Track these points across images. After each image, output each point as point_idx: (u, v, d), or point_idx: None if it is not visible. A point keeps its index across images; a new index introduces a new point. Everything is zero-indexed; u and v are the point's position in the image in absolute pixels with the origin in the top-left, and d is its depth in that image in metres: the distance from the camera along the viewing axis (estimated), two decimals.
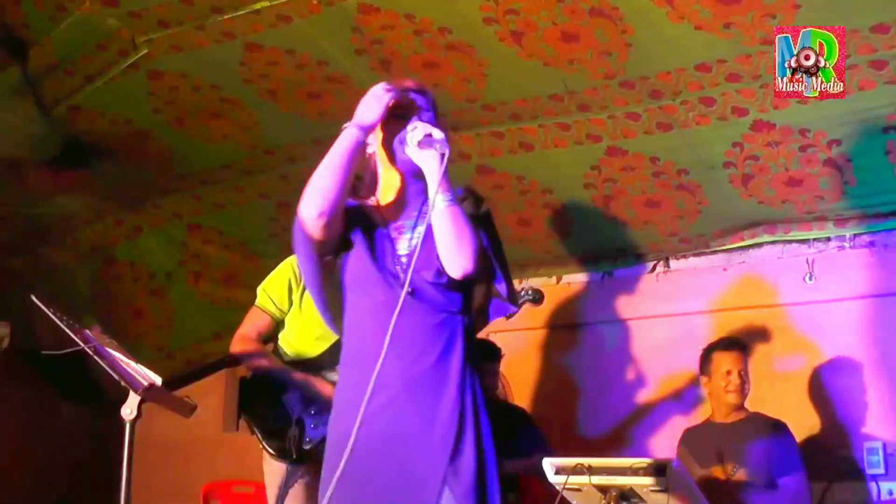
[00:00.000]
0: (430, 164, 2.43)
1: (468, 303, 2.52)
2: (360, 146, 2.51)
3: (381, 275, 2.48)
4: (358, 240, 2.55)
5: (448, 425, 2.38)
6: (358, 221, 2.57)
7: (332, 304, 2.61)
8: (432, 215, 2.43)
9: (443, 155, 2.41)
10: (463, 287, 2.49)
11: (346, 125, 2.51)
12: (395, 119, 2.53)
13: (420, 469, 2.37)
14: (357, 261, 2.53)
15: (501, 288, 2.55)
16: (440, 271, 2.46)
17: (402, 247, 2.53)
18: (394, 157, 2.56)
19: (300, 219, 2.52)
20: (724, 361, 4.12)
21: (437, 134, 2.43)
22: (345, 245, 2.56)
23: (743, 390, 4.10)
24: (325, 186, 2.48)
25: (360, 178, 2.67)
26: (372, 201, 2.64)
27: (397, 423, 2.40)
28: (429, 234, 2.48)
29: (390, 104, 2.48)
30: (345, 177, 2.48)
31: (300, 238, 2.55)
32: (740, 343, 4.20)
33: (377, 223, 2.58)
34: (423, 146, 2.43)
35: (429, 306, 2.46)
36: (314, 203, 2.48)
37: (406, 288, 2.38)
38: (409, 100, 2.53)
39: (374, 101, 2.49)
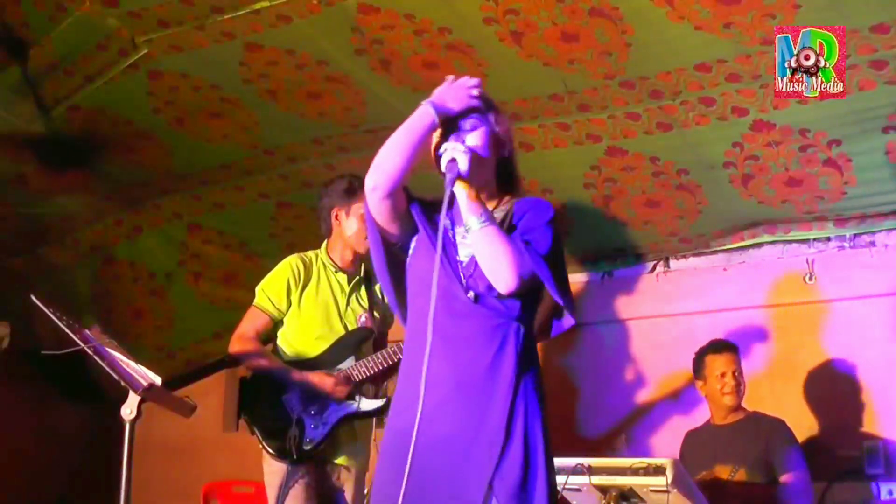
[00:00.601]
0: (456, 190, 2.43)
1: (528, 311, 2.49)
2: (433, 128, 2.47)
3: (444, 278, 2.44)
4: (426, 236, 2.52)
5: (496, 431, 2.36)
6: (430, 217, 2.53)
7: (399, 291, 2.60)
8: (469, 238, 2.44)
9: (457, 179, 2.40)
10: (520, 295, 2.46)
11: (424, 102, 2.46)
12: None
13: (466, 475, 2.35)
14: (422, 258, 2.51)
15: (558, 299, 2.50)
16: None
17: (463, 253, 2.51)
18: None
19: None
20: (718, 364, 4.13)
21: (462, 161, 2.41)
22: (412, 235, 2.56)
23: (739, 391, 4.11)
24: (385, 160, 2.46)
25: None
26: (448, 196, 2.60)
27: (445, 427, 2.37)
28: None
29: (473, 104, 2.47)
30: (409, 155, 2.44)
31: (367, 217, 2.54)
32: (731, 345, 4.20)
33: (447, 223, 2.51)
34: (449, 171, 2.42)
35: (486, 312, 2.44)
36: (372, 176, 2.46)
37: (466, 294, 2.40)
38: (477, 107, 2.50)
39: (463, 94, 2.48)
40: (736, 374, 4.11)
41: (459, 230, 2.53)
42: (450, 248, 2.50)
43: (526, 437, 2.38)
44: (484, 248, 2.41)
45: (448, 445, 2.36)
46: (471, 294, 2.42)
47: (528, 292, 2.46)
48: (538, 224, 2.51)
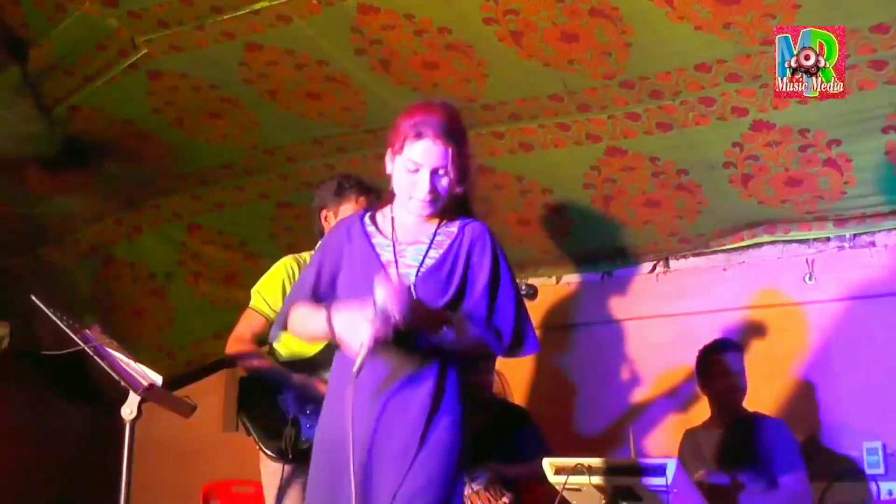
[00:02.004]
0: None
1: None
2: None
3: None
4: (355, 262, 2.58)
5: (409, 442, 2.42)
6: (360, 240, 2.61)
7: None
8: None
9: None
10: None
11: (333, 311, 2.46)
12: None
13: (380, 480, 2.42)
14: (351, 285, 2.56)
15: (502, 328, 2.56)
16: (441, 306, 2.48)
17: (402, 273, 2.52)
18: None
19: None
20: (720, 363, 4.13)
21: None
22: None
23: (741, 390, 4.11)
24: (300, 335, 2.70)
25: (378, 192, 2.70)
26: (386, 214, 2.66)
27: (363, 431, 2.43)
28: (433, 267, 2.52)
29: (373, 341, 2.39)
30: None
31: None
32: (734, 344, 4.21)
33: (383, 240, 2.60)
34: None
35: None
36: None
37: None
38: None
39: (362, 328, 2.38)
40: (740, 373, 4.11)
41: (399, 248, 2.57)
42: (392, 268, 2.54)
43: (443, 452, 2.43)
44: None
45: (366, 449, 2.43)
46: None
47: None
48: (478, 274, 2.55)
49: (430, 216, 2.59)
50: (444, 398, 2.47)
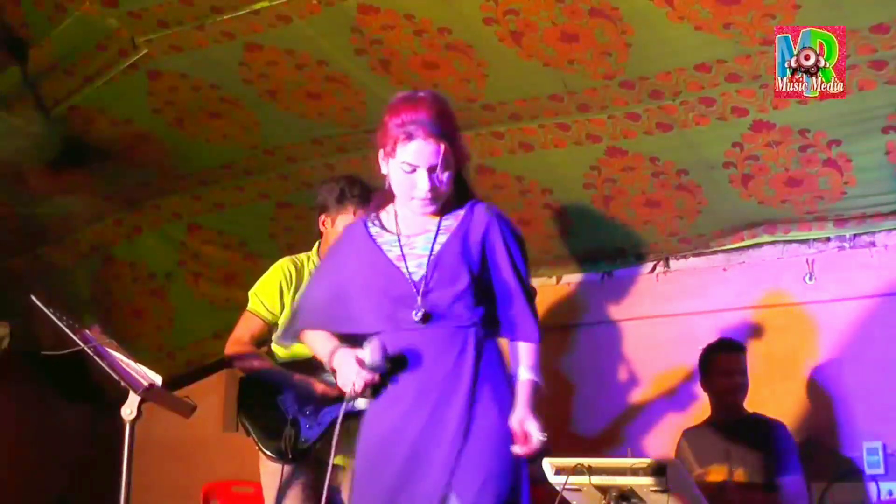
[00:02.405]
0: None
1: (488, 315, 2.53)
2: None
3: (391, 301, 2.52)
4: (364, 267, 2.59)
5: (454, 435, 2.40)
6: (365, 244, 2.61)
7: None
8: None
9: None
10: (479, 303, 2.51)
11: (334, 356, 2.59)
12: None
13: (428, 479, 2.40)
14: (365, 287, 2.59)
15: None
16: (458, 291, 2.48)
17: (413, 265, 2.53)
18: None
19: None
20: (723, 363, 4.13)
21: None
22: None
23: (742, 391, 4.11)
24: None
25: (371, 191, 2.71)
26: (390, 211, 2.65)
27: (412, 435, 2.44)
28: (443, 252, 2.51)
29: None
30: None
31: None
32: (738, 344, 4.21)
33: (389, 237, 2.60)
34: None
35: (441, 322, 2.47)
36: None
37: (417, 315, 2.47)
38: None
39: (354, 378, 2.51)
40: (741, 373, 4.11)
41: (407, 241, 2.57)
42: (401, 263, 2.54)
43: (488, 438, 2.41)
44: None
45: (415, 453, 2.43)
46: (418, 314, 2.46)
47: (489, 300, 2.53)
48: (506, 249, 2.55)
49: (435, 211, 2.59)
50: (485, 388, 2.46)
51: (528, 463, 2.47)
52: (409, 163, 2.50)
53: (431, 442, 2.41)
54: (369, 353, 2.47)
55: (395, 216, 2.62)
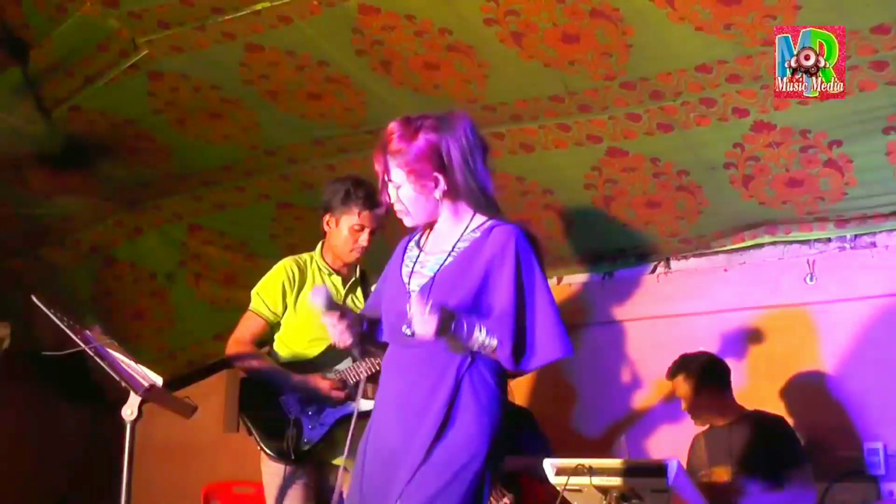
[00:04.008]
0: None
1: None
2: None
3: (398, 308, 2.53)
4: (387, 277, 2.70)
5: (418, 451, 2.42)
6: (398, 255, 2.70)
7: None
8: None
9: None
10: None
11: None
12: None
13: (385, 489, 2.46)
14: (389, 287, 2.68)
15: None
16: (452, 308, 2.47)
17: (415, 283, 2.56)
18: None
19: None
20: (673, 386, 4.17)
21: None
22: None
23: (694, 413, 4.14)
24: None
25: None
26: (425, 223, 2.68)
27: (388, 442, 2.51)
28: (443, 274, 2.52)
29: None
30: None
31: None
32: (671, 370, 4.19)
33: (415, 253, 2.65)
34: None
35: (430, 343, 2.45)
36: None
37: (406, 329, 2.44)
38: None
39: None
40: (686, 399, 4.13)
41: (423, 258, 2.60)
42: (408, 279, 2.59)
43: (449, 463, 2.40)
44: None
45: (384, 461, 2.50)
46: (408, 331, 2.43)
47: None
48: (511, 271, 2.50)
49: (449, 222, 2.59)
50: (459, 409, 2.44)
51: (485, 492, 2.45)
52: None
53: (401, 461, 2.45)
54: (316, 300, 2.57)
55: (427, 234, 2.65)
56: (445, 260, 2.54)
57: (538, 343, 2.50)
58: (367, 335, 2.65)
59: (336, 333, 2.57)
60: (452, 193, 2.56)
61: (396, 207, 2.60)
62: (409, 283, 2.56)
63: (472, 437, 2.43)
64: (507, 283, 2.48)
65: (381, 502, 2.44)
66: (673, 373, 4.18)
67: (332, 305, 2.58)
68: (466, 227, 2.58)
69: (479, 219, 2.58)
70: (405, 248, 2.69)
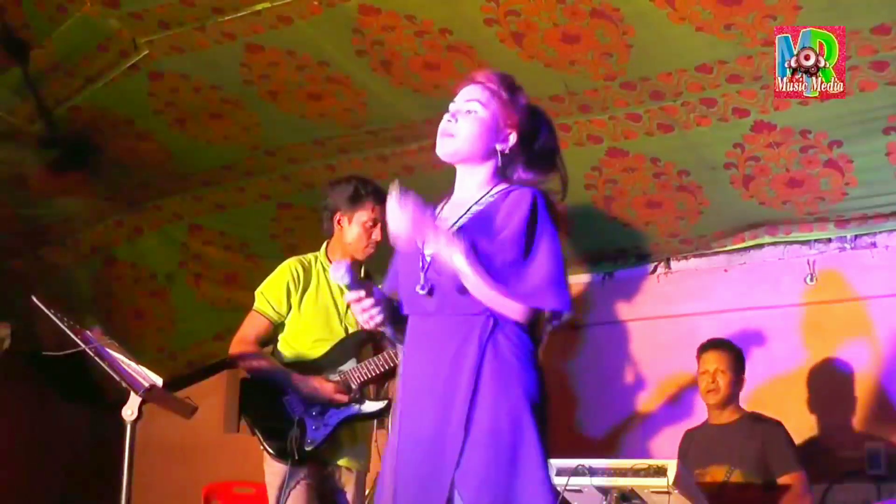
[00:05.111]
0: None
1: None
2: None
3: (412, 277, 2.48)
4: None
5: (457, 428, 2.34)
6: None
7: None
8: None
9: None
10: None
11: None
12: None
13: (434, 473, 2.35)
14: (403, 259, 2.57)
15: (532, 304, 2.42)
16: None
17: (429, 249, 2.46)
18: None
19: None
20: (703, 362, 4.14)
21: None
22: None
23: (717, 391, 4.08)
24: None
25: None
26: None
27: (422, 426, 2.40)
28: (457, 230, 2.44)
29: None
30: None
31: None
32: (720, 343, 4.18)
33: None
34: None
35: (447, 308, 2.42)
36: None
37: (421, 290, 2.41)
38: None
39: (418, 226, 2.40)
40: (717, 373, 4.09)
41: (439, 223, 2.47)
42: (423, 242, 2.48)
43: (494, 432, 2.33)
44: (472, 288, 2.37)
45: (423, 444, 2.39)
46: (422, 290, 2.41)
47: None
48: (507, 224, 2.44)
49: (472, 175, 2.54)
50: (489, 384, 2.36)
51: (540, 462, 2.37)
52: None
53: (439, 438, 2.36)
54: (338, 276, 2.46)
55: (444, 205, 2.59)
56: (460, 219, 2.50)
57: (536, 288, 2.39)
58: (398, 315, 2.53)
59: (362, 313, 2.45)
60: (505, 157, 2.54)
61: (447, 125, 2.51)
62: (423, 246, 2.46)
63: (511, 402, 2.35)
64: (516, 230, 2.41)
65: (432, 491, 2.34)
66: (707, 347, 4.16)
67: (357, 282, 2.45)
68: (486, 193, 2.53)
69: (501, 186, 2.54)
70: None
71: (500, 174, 2.56)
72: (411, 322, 2.50)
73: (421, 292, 2.42)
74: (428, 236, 2.35)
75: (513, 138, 2.54)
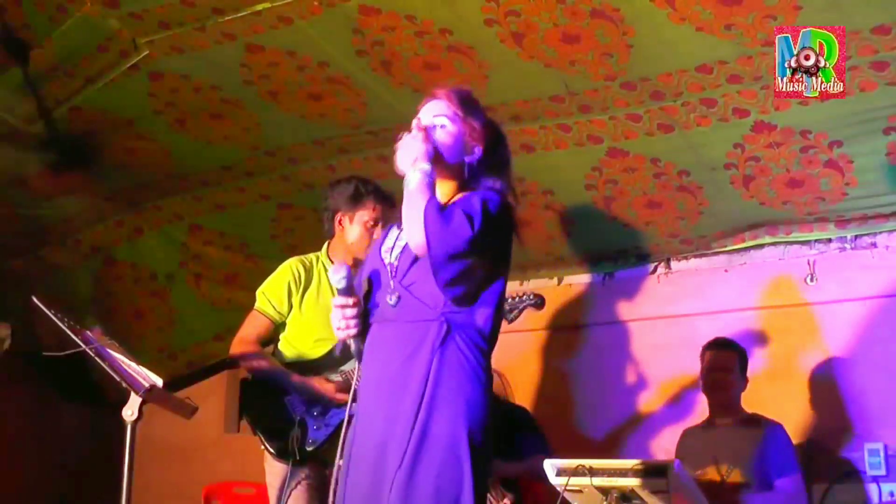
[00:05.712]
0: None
1: (458, 307, 2.50)
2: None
3: (376, 284, 2.61)
4: (371, 254, 2.77)
5: (403, 430, 2.41)
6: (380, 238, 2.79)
7: None
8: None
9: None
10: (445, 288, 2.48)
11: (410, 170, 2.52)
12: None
13: (377, 472, 2.43)
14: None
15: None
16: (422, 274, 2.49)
17: (394, 256, 2.61)
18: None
19: None
20: (708, 360, 4.15)
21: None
22: None
23: (728, 389, 4.09)
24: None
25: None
26: None
27: (373, 429, 2.48)
28: None
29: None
30: None
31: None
32: (725, 343, 4.19)
33: (395, 231, 2.72)
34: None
35: (406, 314, 2.50)
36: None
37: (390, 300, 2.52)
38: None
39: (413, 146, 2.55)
40: (722, 371, 4.10)
41: (402, 234, 2.59)
42: (387, 254, 2.64)
43: (435, 442, 2.39)
44: (405, 206, 2.48)
45: (373, 444, 2.46)
46: (392, 298, 2.51)
47: (459, 286, 2.46)
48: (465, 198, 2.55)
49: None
50: (439, 390, 2.43)
51: (476, 476, 2.39)
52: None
53: (387, 437, 2.43)
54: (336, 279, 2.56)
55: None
56: None
57: (441, 241, 2.43)
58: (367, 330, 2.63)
59: (342, 320, 2.56)
60: (472, 169, 2.64)
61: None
62: (389, 257, 2.61)
63: (455, 415, 2.41)
64: (466, 200, 2.53)
65: (375, 490, 2.40)
66: (713, 346, 4.16)
67: (348, 290, 2.55)
68: (450, 202, 2.61)
69: (460, 194, 2.63)
70: (387, 233, 2.74)
71: (466, 185, 2.65)
72: (372, 329, 2.59)
73: (391, 303, 2.51)
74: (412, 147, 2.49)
75: (478, 151, 2.65)
